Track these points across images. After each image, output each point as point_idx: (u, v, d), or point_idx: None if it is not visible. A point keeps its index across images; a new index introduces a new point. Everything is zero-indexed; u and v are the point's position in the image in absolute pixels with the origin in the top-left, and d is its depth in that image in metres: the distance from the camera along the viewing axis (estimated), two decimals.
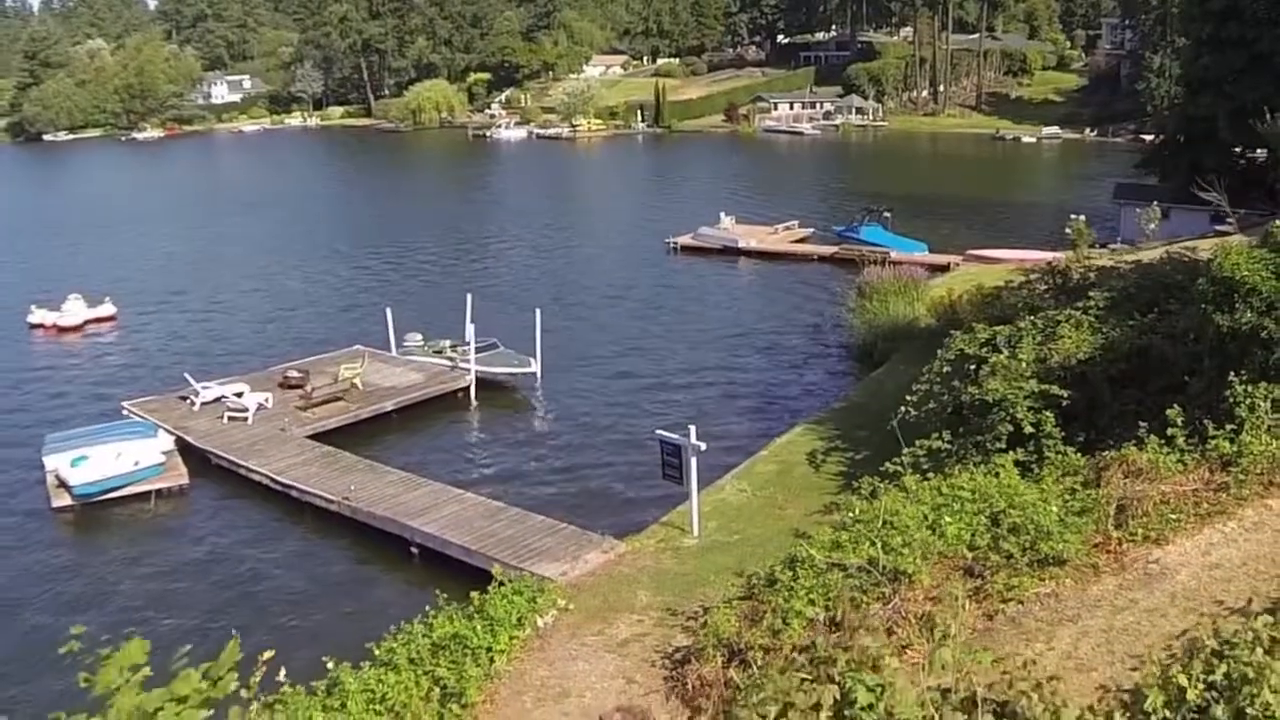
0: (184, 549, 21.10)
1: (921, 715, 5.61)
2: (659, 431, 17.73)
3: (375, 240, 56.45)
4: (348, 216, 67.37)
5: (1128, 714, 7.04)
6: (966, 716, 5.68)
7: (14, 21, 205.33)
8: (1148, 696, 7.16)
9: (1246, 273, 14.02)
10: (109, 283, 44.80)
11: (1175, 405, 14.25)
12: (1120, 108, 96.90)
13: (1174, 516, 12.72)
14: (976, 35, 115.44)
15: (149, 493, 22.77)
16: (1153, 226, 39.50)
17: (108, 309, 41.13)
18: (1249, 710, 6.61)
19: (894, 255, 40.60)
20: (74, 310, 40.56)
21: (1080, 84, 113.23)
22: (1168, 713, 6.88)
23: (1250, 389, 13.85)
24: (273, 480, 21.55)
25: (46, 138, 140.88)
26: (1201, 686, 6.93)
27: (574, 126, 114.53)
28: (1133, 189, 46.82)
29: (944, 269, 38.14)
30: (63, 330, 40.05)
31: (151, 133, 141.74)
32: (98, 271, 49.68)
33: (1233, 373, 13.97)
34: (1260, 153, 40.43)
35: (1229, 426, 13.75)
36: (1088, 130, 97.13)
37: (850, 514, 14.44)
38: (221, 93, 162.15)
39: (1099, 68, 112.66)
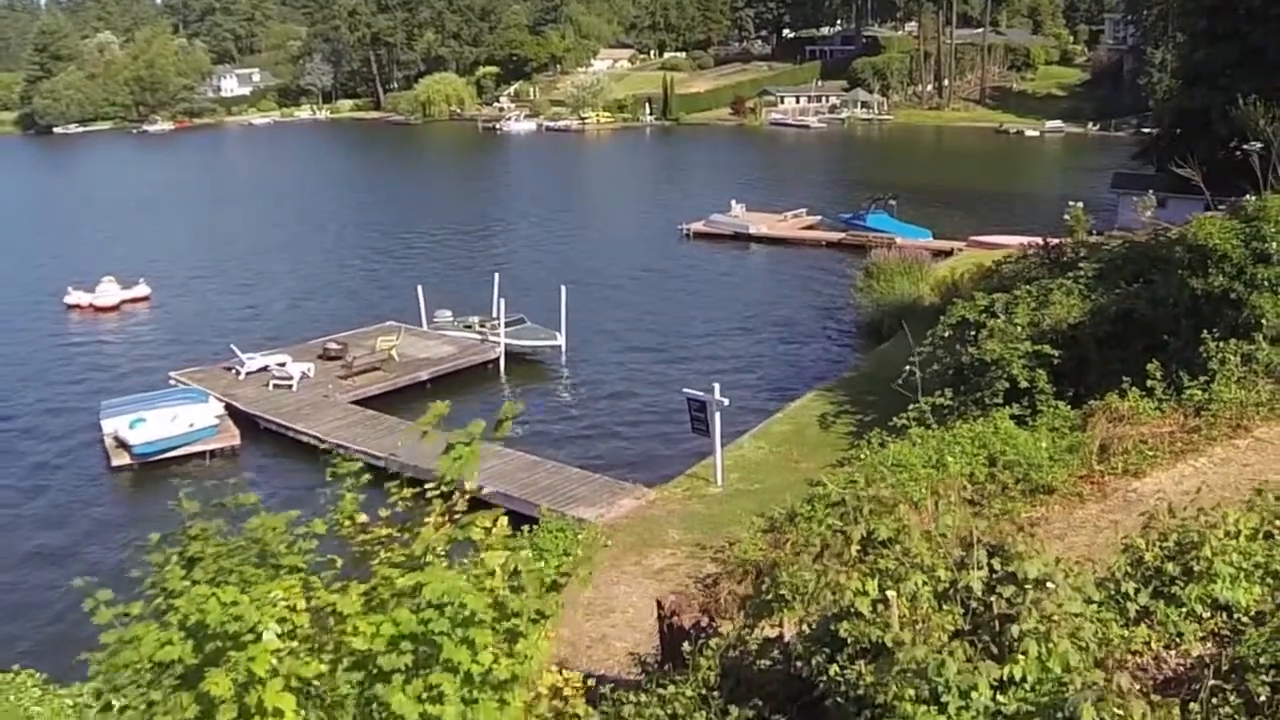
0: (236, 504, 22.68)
1: (928, 548, 7.22)
2: (686, 390, 19.36)
3: (397, 226, 58.09)
4: (368, 204, 68.88)
5: (1096, 572, 8.65)
6: (964, 552, 7.27)
7: (21, 15, 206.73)
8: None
9: (1218, 241, 15.62)
10: (139, 267, 46.35)
11: (1155, 361, 15.92)
12: (1123, 102, 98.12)
13: (1151, 454, 14.43)
14: (981, 30, 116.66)
15: (203, 453, 24.42)
16: (1149, 214, 40.95)
17: (142, 290, 42.78)
18: (1194, 567, 8.23)
19: (899, 241, 42.11)
20: (109, 291, 42.16)
21: (1083, 79, 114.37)
22: (1129, 569, 8.51)
23: (1221, 345, 15.55)
24: (321, 440, 23.18)
25: (57, 130, 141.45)
26: (1158, 550, 8.55)
27: (583, 119, 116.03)
28: (1131, 178, 48.28)
29: (947, 254, 39.68)
30: (99, 310, 41.66)
31: (162, 125, 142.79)
32: (127, 256, 51.19)
33: (1206, 331, 15.63)
34: (1254, 145, 41.83)
35: (1202, 378, 15.46)
36: (1090, 124, 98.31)
37: (862, 457, 16.14)
38: (231, 86, 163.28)
39: (1102, 63, 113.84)
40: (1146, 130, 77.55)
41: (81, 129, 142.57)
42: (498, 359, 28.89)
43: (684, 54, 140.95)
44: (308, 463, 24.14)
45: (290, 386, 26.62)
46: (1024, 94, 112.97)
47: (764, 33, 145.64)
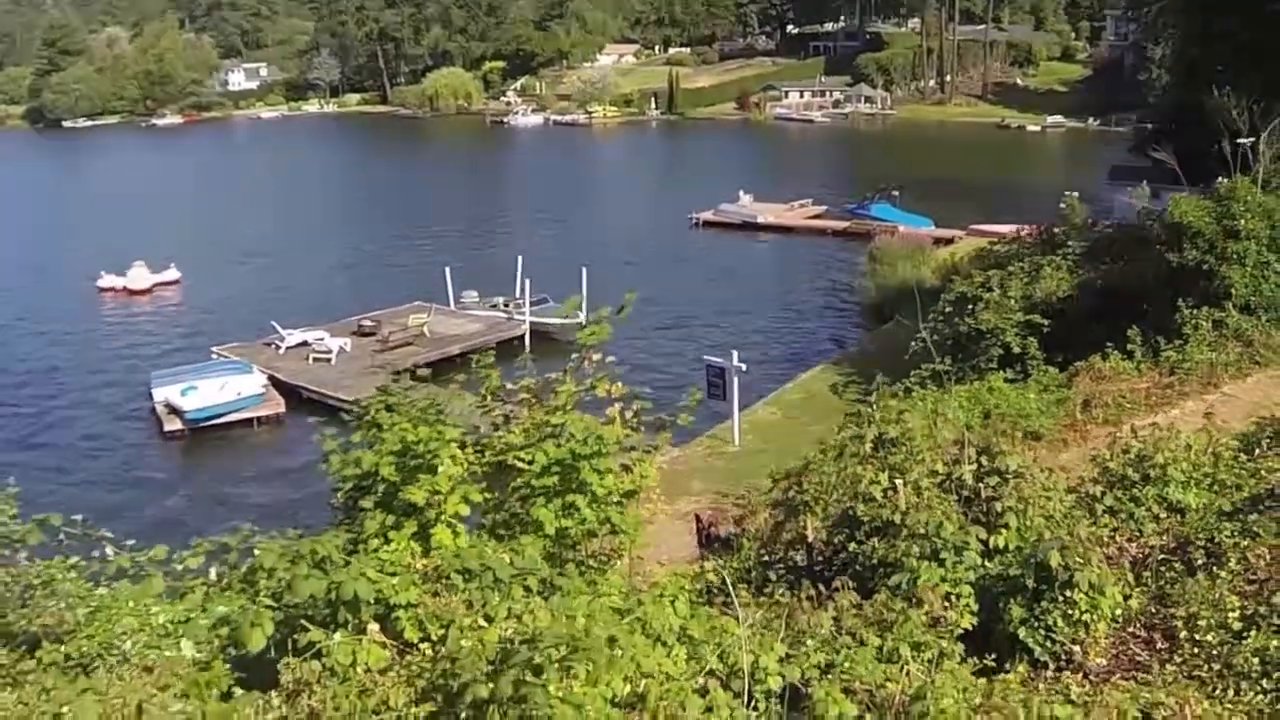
0: (286, 464, 24.40)
1: (929, 448, 8.92)
2: (705, 357, 21.03)
3: (415, 214, 59.77)
4: (383, 194, 70.35)
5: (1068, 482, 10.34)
6: (958, 451, 8.95)
7: (28, 10, 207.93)
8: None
9: (1193, 219, 17.30)
10: (165, 253, 47.78)
11: (1135, 327, 17.63)
12: (1123, 98, 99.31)
13: (1129, 407, 16.17)
14: (983, 26, 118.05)
15: (250, 419, 26.12)
16: (1142, 205, 42.52)
17: (173, 274, 44.45)
18: (1151, 473, 9.94)
19: (901, 229, 43.77)
20: (141, 275, 43.83)
21: (1085, 75, 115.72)
22: (1096, 474, 10.20)
23: (1194, 312, 17.28)
24: (364, 408, 24.85)
25: (66, 124, 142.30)
26: (1121, 460, 10.25)
27: (590, 113, 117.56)
28: (1126, 171, 49.72)
29: (948, 242, 41.31)
30: (132, 293, 43.33)
31: (171, 119, 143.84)
32: (152, 244, 52.51)
33: (1181, 300, 17.33)
34: (1244, 141, 43.35)
35: (1177, 342, 17.17)
36: (1091, 119, 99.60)
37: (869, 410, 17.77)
38: (239, 80, 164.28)
39: (1103, 59, 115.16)
40: (1146, 125, 78.94)
41: (90, 123, 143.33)
42: (523, 335, 30.58)
43: (688, 49, 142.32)
44: (348, 428, 25.81)
45: (329, 360, 28.33)
46: (1026, 90, 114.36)
47: (768, 28, 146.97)
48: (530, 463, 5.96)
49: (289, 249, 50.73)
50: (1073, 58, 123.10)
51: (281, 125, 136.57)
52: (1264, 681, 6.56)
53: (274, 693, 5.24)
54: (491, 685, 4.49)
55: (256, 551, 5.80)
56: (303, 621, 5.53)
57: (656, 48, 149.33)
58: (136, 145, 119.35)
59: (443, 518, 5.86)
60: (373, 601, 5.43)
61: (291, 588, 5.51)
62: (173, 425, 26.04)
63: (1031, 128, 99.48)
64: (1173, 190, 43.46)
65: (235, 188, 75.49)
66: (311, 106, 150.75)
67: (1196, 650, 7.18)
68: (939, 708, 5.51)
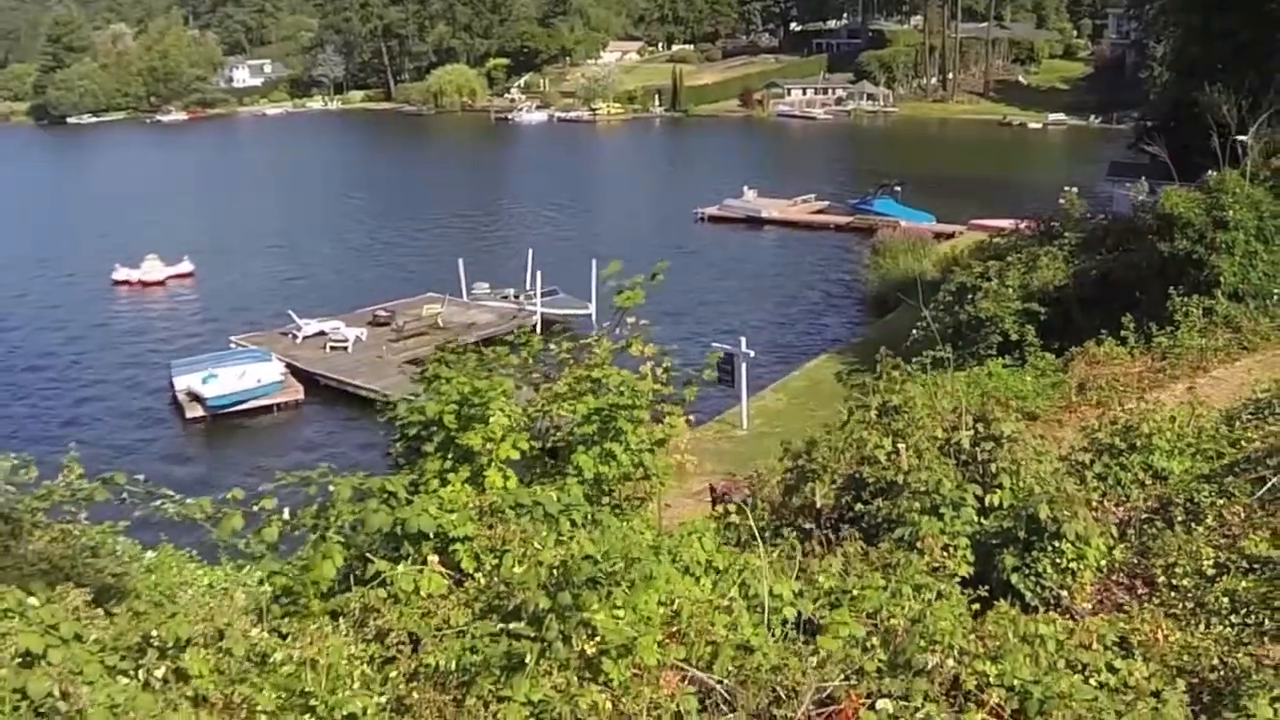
0: (307, 447, 25.16)
1: (929, 415, 9.64)
2: (714, 344, 21.68)
3: (423, 208, 60.51)
4: (391, 189, 71.08)
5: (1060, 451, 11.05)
6: (956, 418, 9.67)
7: (32, 7, 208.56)
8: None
9: (1183, 210, 17.99)
10: (177, 247, 48.31)
11: (1128, 314, 18.33)
12: (1125, 96, 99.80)
13: (1122, 389, 16.87)
14: (985, 24, 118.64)
15: (270, 406, 26.85)
16: (1141, 199, 43.14)
17: (186, 266, 45.14)
18: (1137, 442, 10.65)
19: (903, 225, 44.44)
20: (155, 268, 44.53)
21: (1086, 72, 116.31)
22: (1085, 443, 10.92)
23: (1185, 300, 17.99)
24: (380, 394, 25.54)
25: (71, 120, 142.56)
26: (1109, 430, 10.96)
27: (594, 110, 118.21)
28: (1125, 167, 50.33)
29: (949, 236, 41.97)
30: (147, 285, 44.03)
31: (176, 115, 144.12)
32: (163, 238, 53.09)
33: (1172, 288, 18.02)
34: (1243, 138, 43.98)
35: (1169, 328, 17.87)
36: (1092, 117, 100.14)
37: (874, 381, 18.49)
38: (243, 77, 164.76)
39: (1105, 57, 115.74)
40: (1148, 122, 79.42)
41: (95, 119, 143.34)
42: (534, 326, 31.29)
43: (692, 46, 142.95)
44: (367, 414, 26.59)
45: (346, 348, 29.07)
46: (1028, 87, 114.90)
47: (771, 26, 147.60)
48: (573, 413, 6.68)
49: (300, 242, 51.47)
50: (1074, 55, 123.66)
51: (286, 122, 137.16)
52: (1232, 617, 7.27)
53: (341, 619, 5.92)
54: (550, 599, 5.19)
55: (330, 488, 6.49)
56: (367, 554, 6.23)
57: (660, 45, 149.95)
58: (142, 142, 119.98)
59: (494, 462, 6.58)
60: (433, 535, 6.14)
61: (364, 521, 6.21)
62: (194, 412, 26.77)
63: (1033, 125, 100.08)
64: (1171, 185, 44.28)
65: (243, 183, 76.18)
66: (315, 103, 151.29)
67: (1173, 593, 7.89)
68: (937, 627, 6.23)
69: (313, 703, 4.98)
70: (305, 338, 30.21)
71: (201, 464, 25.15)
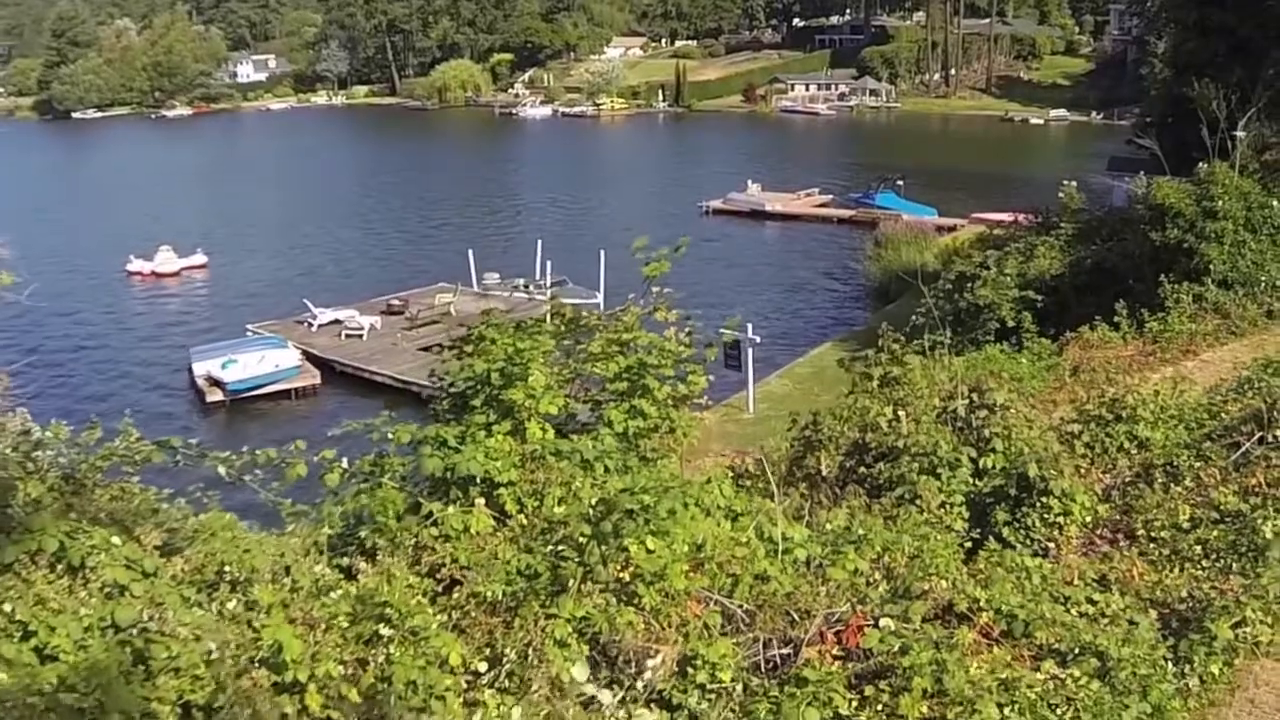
0: (326, 431, 25.79)
1: (927, 385, 10.37)
2: (721, 329, 22.40)
3: (431, 201, 61.24)
4: (398, 182, 71.58)
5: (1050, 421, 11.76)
6: (952, 388, 10.39)
7: (38, 2, 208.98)
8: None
9: (1174, 200, 18.68)
10: (189, 239, 48.89)
11: (1121, 301, 19.04)
12: (1126, 92, 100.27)
13: (1114, 372, 17.56)
14: (988, 20, 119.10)
15: (288, 391, 27.57)
16: (1139, 193, 43.79)
17: (199, 258, 45.86)
18: (1123, 414, 11.35)
19: (905, 218, 45.10)
20: (169, 259, 45.22)
21: (1088, 68, 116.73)
22: (1077, 415, 11.63)
23: (1175, 287, 18.70)
24: (395, 379, 26.35)
25: (75, 115, 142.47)
26: (1096, 402, 11.67)
27: (598, 105, 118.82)
28: (1125, 162, 50.88)
29: (950, 230, 42.65)
30: (160, 276, 44.72)
31: (181, 110, 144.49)
32: (174, 230, 53.72)
33: (1164, 275, 18.70)
34: (1240, 134, 44.64)
35: (1160, 314, 18.57)
36: (1094, 113, 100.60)
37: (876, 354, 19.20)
38: (247, 72, 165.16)
39: (1106, 53, 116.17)
40: (1148, 119, 80.00)
41: (100, 114, 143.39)
42: (545, 315, 31.98)
43: (695, 42, 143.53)
44: (381, 398, 27.31)
45: (361, 336, 29.80)
46: (1030, 83, 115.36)
47: (774, 21, 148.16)
48: (605, 371, 7.41)
49: (311, 234, 52.16)
50: (1076, 52, 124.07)
51: (290, 116, 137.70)
52: (1203, 562, 8.01)
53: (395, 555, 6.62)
54: (593, 527, 5.91)
55: (389, 435, 7.22)
56: (419, 499, 6.95)
57: (663, 40, 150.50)
58: (147, 136, 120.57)
59: (534, 416, 7.30)
60: (479, 481, 6.86)
61: (420, 465, 6.94)
62: (214, 396, 27.48)
63: (1035, 120, 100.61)
64: (1164, 179, 44.92)
65: (251, 177, 76.84)
66: (320, 98, 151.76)
67: (1151, 544, 8.61)
68: (933, 561, 6.97)
69: (387, 612, 5.67)
70: (320, 326, 30.95)
71: (222, 446, 25.59)
